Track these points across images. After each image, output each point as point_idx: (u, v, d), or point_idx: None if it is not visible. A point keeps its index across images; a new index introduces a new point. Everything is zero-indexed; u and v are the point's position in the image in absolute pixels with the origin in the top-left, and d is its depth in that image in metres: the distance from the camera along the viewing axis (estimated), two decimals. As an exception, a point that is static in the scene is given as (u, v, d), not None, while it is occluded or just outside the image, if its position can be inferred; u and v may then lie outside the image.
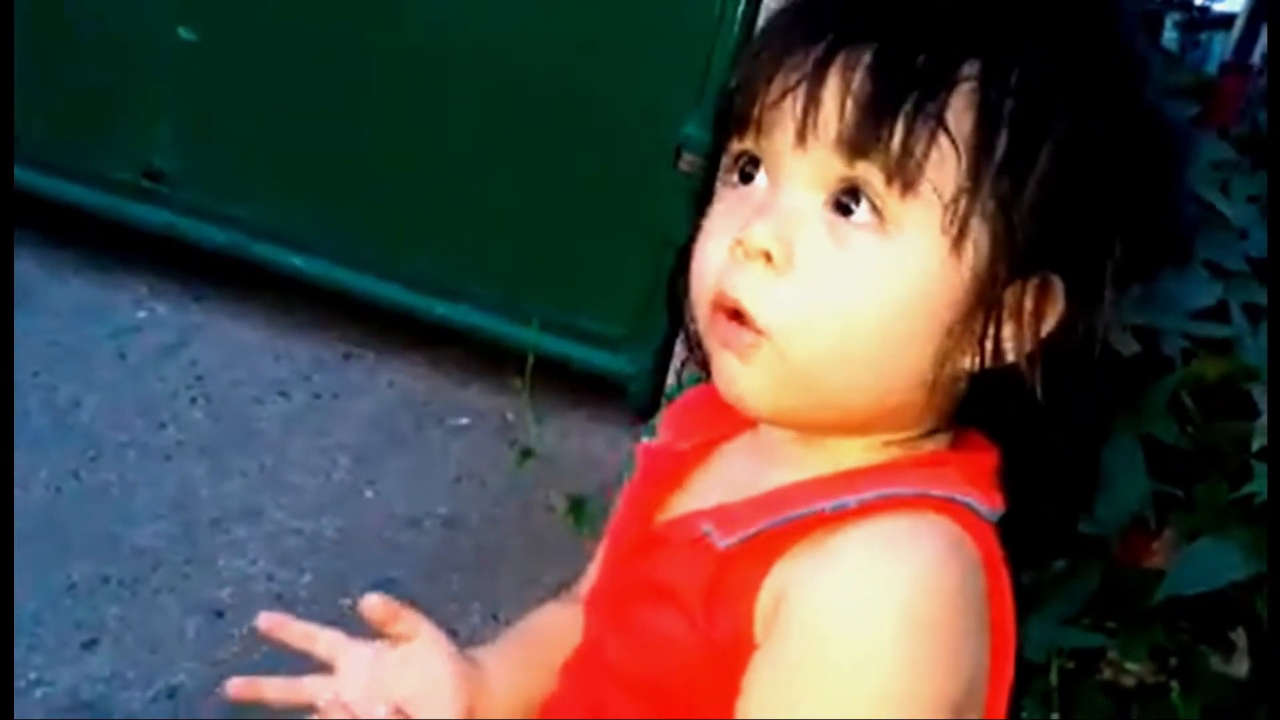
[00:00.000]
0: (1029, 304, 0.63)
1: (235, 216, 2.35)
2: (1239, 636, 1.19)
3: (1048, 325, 0.64)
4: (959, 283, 0.62)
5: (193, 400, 2.15)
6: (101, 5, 2.39)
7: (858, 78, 0.60)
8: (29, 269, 2.37)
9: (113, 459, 2.00)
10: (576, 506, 1.77)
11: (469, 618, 1.75)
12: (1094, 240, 0.63)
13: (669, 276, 0.73)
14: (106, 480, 1.96)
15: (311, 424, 2.12)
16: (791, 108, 0.62)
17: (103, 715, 1.58)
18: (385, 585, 1.81)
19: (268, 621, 0.76)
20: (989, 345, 0.63)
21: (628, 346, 2.22)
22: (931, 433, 0.67)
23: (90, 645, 1.68)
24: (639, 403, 2.21)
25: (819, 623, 0.60)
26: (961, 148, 0.60)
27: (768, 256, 0.63)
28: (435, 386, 2.28)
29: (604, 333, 2.23)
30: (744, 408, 0.67)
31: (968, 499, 0.64)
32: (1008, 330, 0.63)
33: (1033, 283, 0.63)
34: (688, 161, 2.08)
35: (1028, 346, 0.64)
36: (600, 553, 0.81)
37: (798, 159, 0.63)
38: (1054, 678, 1.24)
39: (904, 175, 0.60)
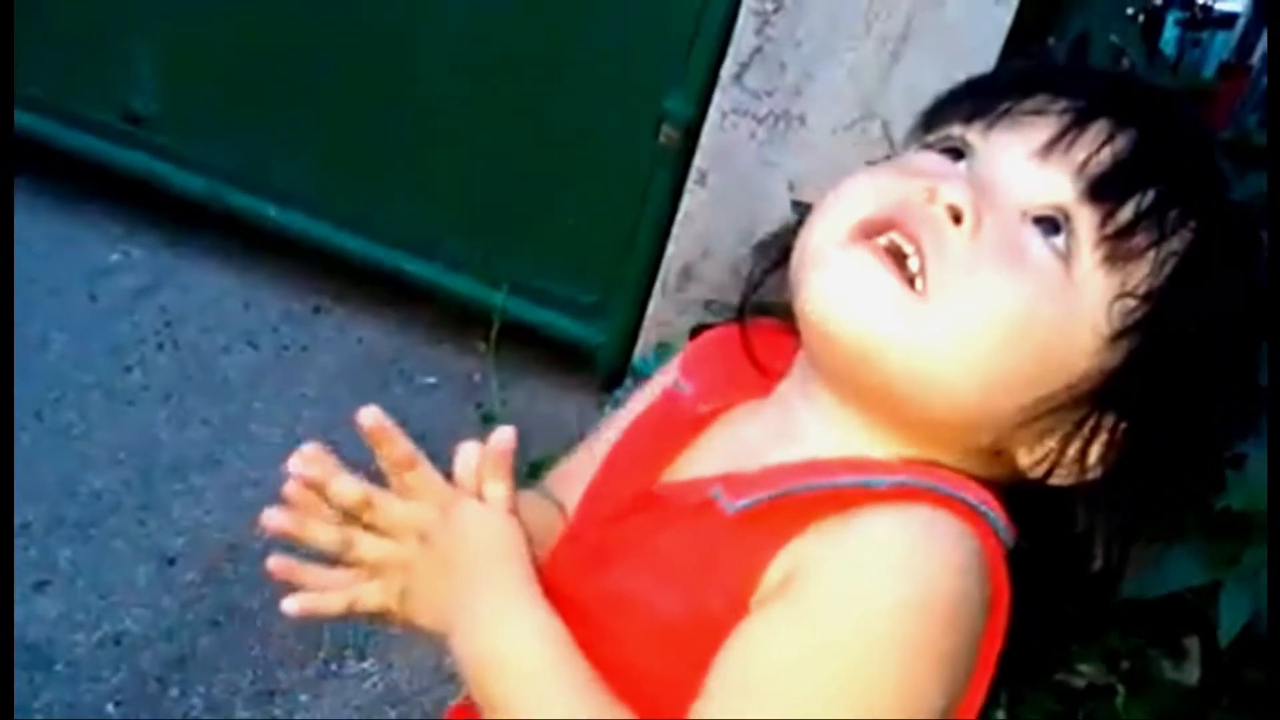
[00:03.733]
0: (1107, 440, 0.61)
1: (213, 164, 2.24)
2: (1192, 644, 1.14)
3: (1093, 472, 0.62)
4: (1092, 364, 0.60)
5: (160, 346, 2.05)
6: (89, -56, 2.26)
7: (1122, 140, 0.60)
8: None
9: (76, 400, 1.90)
10: (534, 472, 1.69)
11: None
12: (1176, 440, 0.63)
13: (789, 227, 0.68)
14: (68, 421, 1.86)
15: (277, 375, 2.03)
16: (1048, 123, 0.61)
17: (45, 658, 1.50)
18: (341, 542, 1.74)
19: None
20: (1076, 444, 0.61)
21: (598, 315, 2.14)
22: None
23: (41, 587, 1.59)
24: (605, 372, 2.13)
25: (838, 589, 0.56)
26: (1161, 269, 0.59)
27: (957, 216, 0.59)
28: (404, 344, 2.19)
29: (575, 300, 2.15)
30: (839, 325, 0.60)
31: (992, 513, 0.59)
32: (1095, 446, 0.61)
33: (1122, 426, 0.61)
34: (667, 135, 1.99)
35: (1089, 476, 0.62)
36: (580, 477, 0.73)
37: (1027, 166, 0.60)
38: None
39: (1112, 246, 0.59)
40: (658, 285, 2.04)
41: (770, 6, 1.87)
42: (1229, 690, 1.12)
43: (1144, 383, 0.60)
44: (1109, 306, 0.59)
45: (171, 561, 1.64)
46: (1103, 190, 0.59)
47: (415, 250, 2.18)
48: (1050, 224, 0.59)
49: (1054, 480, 0.62)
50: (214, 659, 1.52)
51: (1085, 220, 0.59)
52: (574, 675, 0.60)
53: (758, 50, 1.89)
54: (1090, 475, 0.61)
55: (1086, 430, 0.61)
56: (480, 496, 0.64)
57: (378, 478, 0.66)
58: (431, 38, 2.13)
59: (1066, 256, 0.59)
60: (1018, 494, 0.62)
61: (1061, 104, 0.61)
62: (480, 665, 0.62)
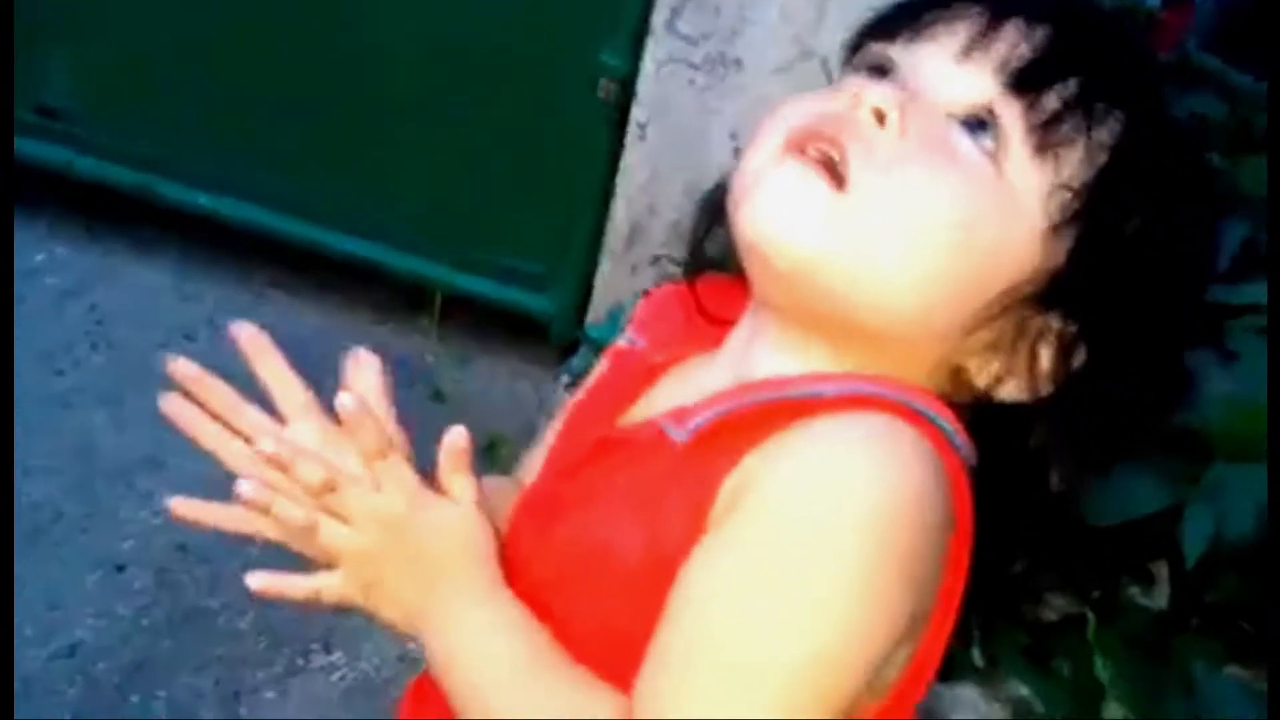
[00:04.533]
0: (1056, 345, 0.61)
1: (136, 153, 2.18)
2: (1159, 568, 1.15)
3: (1047, 384, 0.61)
4: (1033, 262, 0.59)
5: (93, 345, 2.01)
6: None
7: (1041, 32, 0.60)
8: (-84, 211, 2.19)
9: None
10: (491, 448, 1.68)
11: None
12: (1139, 319, 0.62)
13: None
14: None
15: (217, 368, 1.99)
16: (966, 26, 0.61)
17: (-2, 676, 1.47)
18: (295, 533, 1.71)
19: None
20: (1024, 348, 0.60)
21: (548, 284, 2.12)
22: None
23: (-14, 603, 1.57)
24: (560, 342, 2.12)
25: (785, 504, 0.55)
26: (1093, 160, 0.59)
27: (880, 117, 0.59)
28: (350, 328, 2.16)
29: (523, 269, 2.12)
30: (773, 243, 0.59)
31: (948, 426, 0.59)
32: (1045, 351, 0.61)
33: (1070, 329, 0.61)
34: (605, 88, 1.97)
35: (1043, 389, 0.61)
36: (539, 457, 0.73)
37: (948, 69, 0.61)
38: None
39: (1040, 137, 0.59)
40: (605, 247, 2.03)
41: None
42: (1196, 612, 1.14)
43: (1087, 280, 0.60)
44: (1044, 200, 0.59)
45: (121, 568, 1.62)
46: (1024, 82, 0.60)
47: (354, 230, 2.14)
48: (977, 123, 0.60)
49: (1008, 394, 0.61)
50: (174, 663, 1.50)
51: (1010, 114, 0.59)
52: (549, 677, 0.60)
53: (689, -5, 1.86)
54: (1044, 389, 0.61)
55: (1034, 333, 0.60)
56: (444, 492, 0.64)
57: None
58: (354, 10, 2.08)
59: (995, 154, 0.59)
60: (978, 417, 0.61)
61: (978, 8, 0.62)
62: (449, 666, 0.62)
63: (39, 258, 2.20)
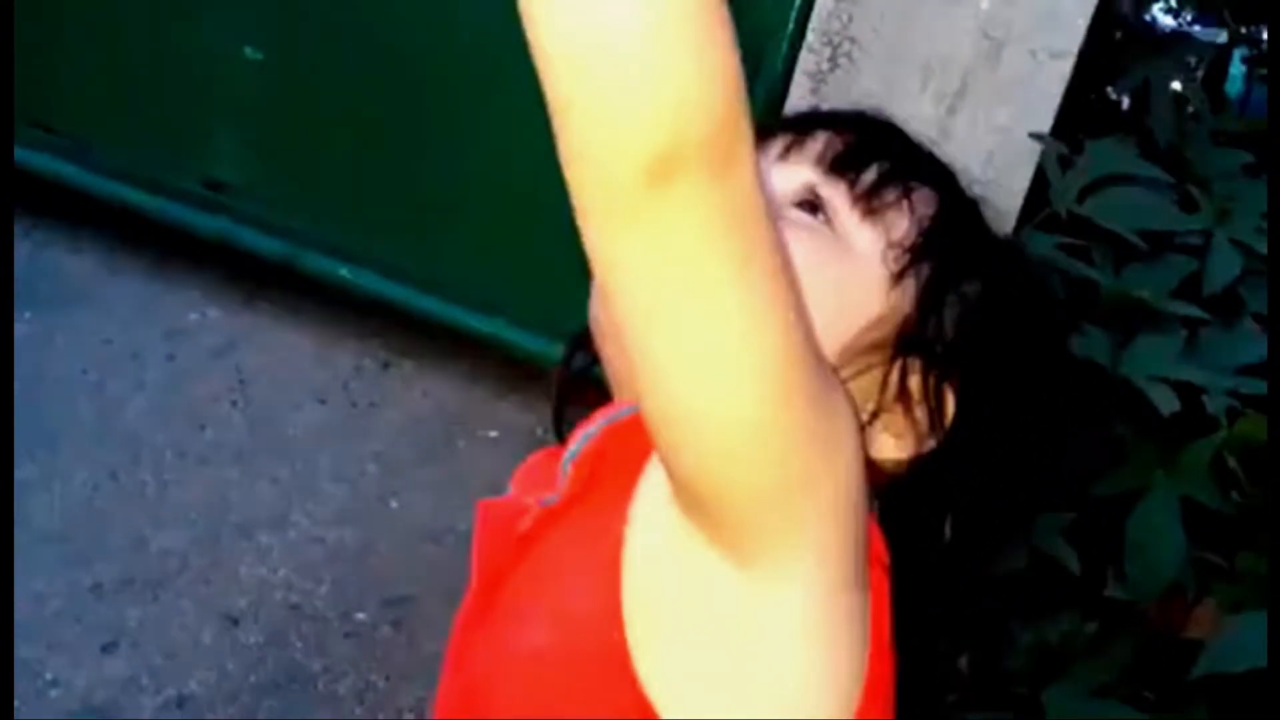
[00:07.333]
0: (930, 398, 0.62)
1: (288, 227, 2.24)
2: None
3: (936, 436, 0.62)
4: (880, 307, 0.62)
5: (233, 404, 2.03)
6: (175, 25, 2.29)
7: (848, 135, 0.66)
8: (90, 269, 2.27)
9: (151, 461, 1.88)
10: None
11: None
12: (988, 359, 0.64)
13: None
14: (142, 481, 1.84)
15: (345, 432, 1.99)
16: (781, 139, 0.66)
17: (111, 720, 1.46)
18: (400, 603, 1.68)
19: None
20: (891, 389, 0.61)
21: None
22: None
23: (109, 648, 1.56)
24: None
25: None
26: (917, 222, 0.63)
27: None
28: (470, 399, 2.15)
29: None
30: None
31: None
32: (917, 412, 0.61)
33: (933, 378, 0.62)
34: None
35: (921, 444, 0.61)
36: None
37: (772, 170, 0.65)
38: (1080, 755, 1.07)
39: (866, 205, 0.63)
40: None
41: (825, 66, 1.80)
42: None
43: (930, 321, 0.63)
44: (882, 255, 0.63)
45: (235, 622, 1.61)
46: (842, 164, 0.65)
47: (480, 306, 2.15)
48: (809, 206, 0.64)
49: (892, 452, 0.61)
50: (278, 727, 1.47)
51: (835, 192, 0.64)
52: None
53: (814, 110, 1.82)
54: (930, 442, 0.62)
55: (898, 383, 0.62)
56: None
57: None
58: (499, 107, 2.10)
59: (830, 224, 0.64)
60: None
61: (792, 127, 0.67)
62: None
63: (193, 316, 2.25)
